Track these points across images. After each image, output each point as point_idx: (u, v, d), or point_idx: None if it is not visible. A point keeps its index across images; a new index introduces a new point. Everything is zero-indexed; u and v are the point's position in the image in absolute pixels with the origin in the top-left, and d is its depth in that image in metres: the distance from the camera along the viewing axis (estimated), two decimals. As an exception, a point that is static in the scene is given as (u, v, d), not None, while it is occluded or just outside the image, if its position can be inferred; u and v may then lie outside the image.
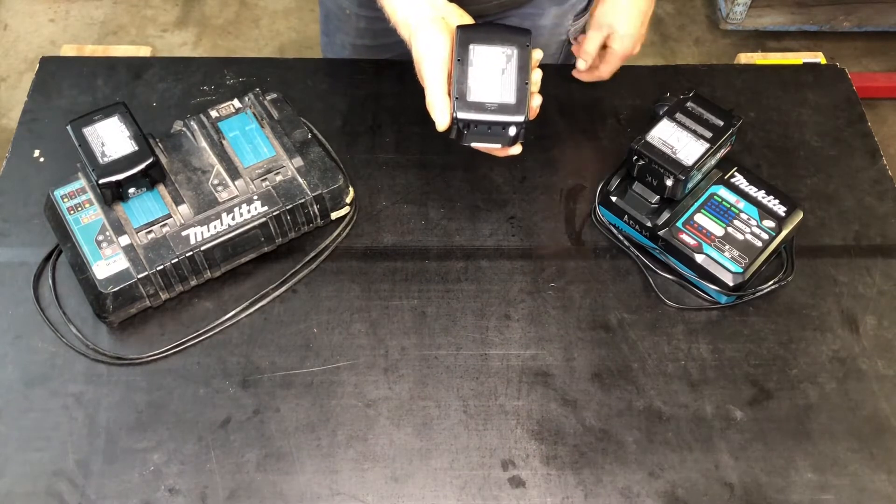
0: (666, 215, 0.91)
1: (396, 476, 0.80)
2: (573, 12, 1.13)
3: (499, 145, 0.84)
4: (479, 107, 0.80)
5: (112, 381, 0.84)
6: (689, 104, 0.92)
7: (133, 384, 0.84)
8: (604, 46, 1.02)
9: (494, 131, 0.82)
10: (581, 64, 1.04)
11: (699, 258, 0.89)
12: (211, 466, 0.80)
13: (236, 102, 0.96)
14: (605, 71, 1.04)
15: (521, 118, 0.81)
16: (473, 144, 0.84)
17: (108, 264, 0.83)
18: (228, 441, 0.81)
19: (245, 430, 0.82)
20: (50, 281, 0.89)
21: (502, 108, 0.81)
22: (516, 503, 0.79)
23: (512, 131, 0.82)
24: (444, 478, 0.80)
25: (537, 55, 0.84)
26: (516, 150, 0.85)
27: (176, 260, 0.85)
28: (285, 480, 0.79)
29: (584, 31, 1.17)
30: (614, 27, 1.00)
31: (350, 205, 0.95)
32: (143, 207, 0.87)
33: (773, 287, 0.92)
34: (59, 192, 0.88)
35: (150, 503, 0.77)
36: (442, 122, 0.81)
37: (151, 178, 0.87)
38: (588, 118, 1.07)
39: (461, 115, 0.80)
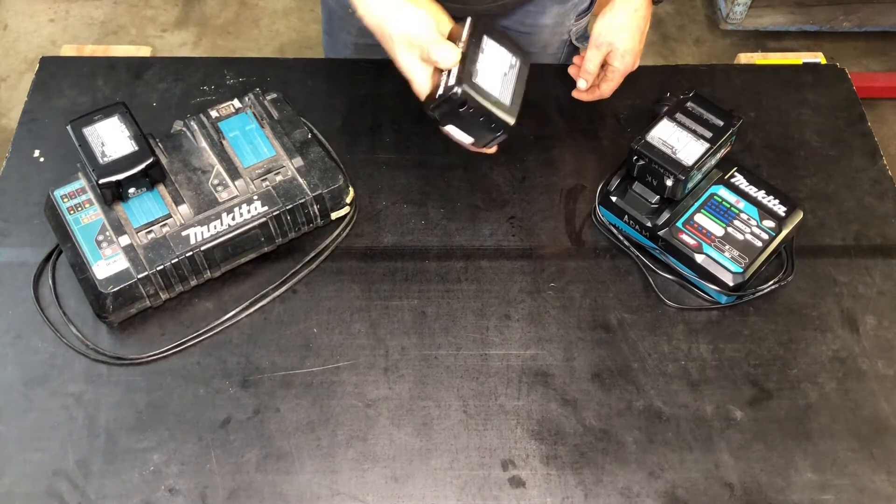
0: (666, 215, 0.91)
1: (396, 476, 0.80)
2: (575, 12, 1.13)
3: (472, 140, 0.83)
4: (481, 91, 0.80)
5: (112, 381, 0.84)
6: (689, 104, 0.92)
7: (133, 384, 0.84)
8: (602, 65, 1.02)
9: (479, 124, 0.82)
10: (582, 84, 1.03)
11: (699, 258, 0.89)
12: (211, 466, 0.79)
13: (236, 102, 0.96)
14: (607, 89, 1.04)
15: (511, 119, 0.81)
16: (448, 130, 0.83)
17: (108, 264, 0.83)
18: (228, 441, 0.81)
19: (245, 430, 0.82)
20: (50, 281, 0.89)
21: (498, 104, 0.81)
22: (516, 503, 0.79)
23: (496, 129, 0.82)
24: (444, 478, 0.80)
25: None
26: (490, 150, 0.86)
27: (176, 260, 0.84)
28: (285, 480, 0.79)
29: (585, 33, 1.17)
30: (614, 45, 0.99)
31: (350, 205, 0.95)
32: (143, 207, 0.87)
33: (773, 287, 0.92)
34: (59, 192, 0.88)
35: (150, 503, 0.77)
36: (423, 88, 0.81)
37: (151, 178, 0.86)
38: (588, 118, 1.07)
39: (465, 87, 0.78)
